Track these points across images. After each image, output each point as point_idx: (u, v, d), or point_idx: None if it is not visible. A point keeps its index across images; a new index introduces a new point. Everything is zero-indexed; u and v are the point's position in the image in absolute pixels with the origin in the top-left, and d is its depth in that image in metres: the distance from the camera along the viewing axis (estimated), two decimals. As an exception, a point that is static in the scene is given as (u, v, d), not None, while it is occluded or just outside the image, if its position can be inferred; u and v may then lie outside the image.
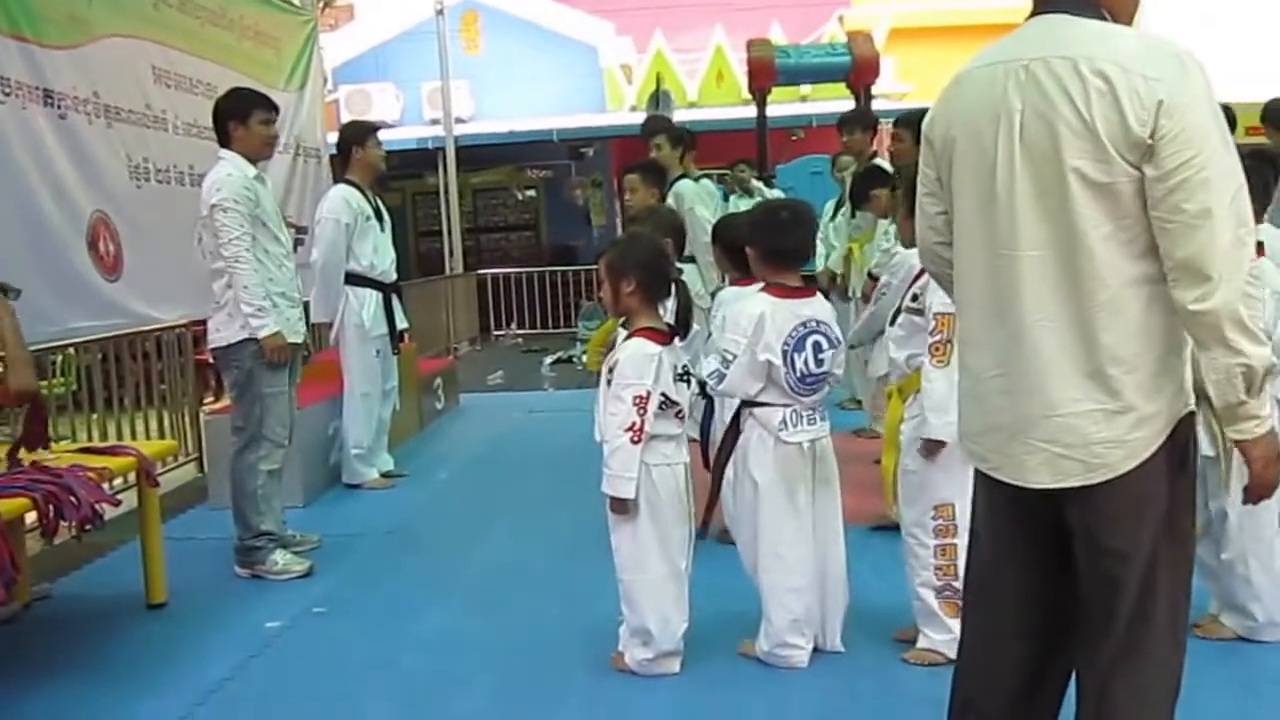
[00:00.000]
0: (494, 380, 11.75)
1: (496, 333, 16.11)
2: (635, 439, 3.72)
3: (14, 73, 5.96)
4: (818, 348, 3.85)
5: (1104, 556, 2.47)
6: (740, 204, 10.16)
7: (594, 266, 13.29)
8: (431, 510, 6.50)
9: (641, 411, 3.71)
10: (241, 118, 5.26)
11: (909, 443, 3.85)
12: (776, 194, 10.11)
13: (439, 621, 4.59)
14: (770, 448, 3.89)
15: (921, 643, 3.92)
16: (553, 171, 19.04)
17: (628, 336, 3.88)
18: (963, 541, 3.68)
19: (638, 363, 3.76)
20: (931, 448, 3.75)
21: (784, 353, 3.79)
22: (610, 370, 3.81)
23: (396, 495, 6.86)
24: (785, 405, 3.86)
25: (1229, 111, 2.90)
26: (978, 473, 2.69)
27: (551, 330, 15.79)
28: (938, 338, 3.68)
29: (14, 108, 5.96)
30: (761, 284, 4.05)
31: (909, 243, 4.14)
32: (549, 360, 12.93)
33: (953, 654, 3.77)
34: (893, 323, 3.99)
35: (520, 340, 15.66)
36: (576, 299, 15.94)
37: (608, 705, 3.76)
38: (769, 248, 3.95)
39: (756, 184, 10.61)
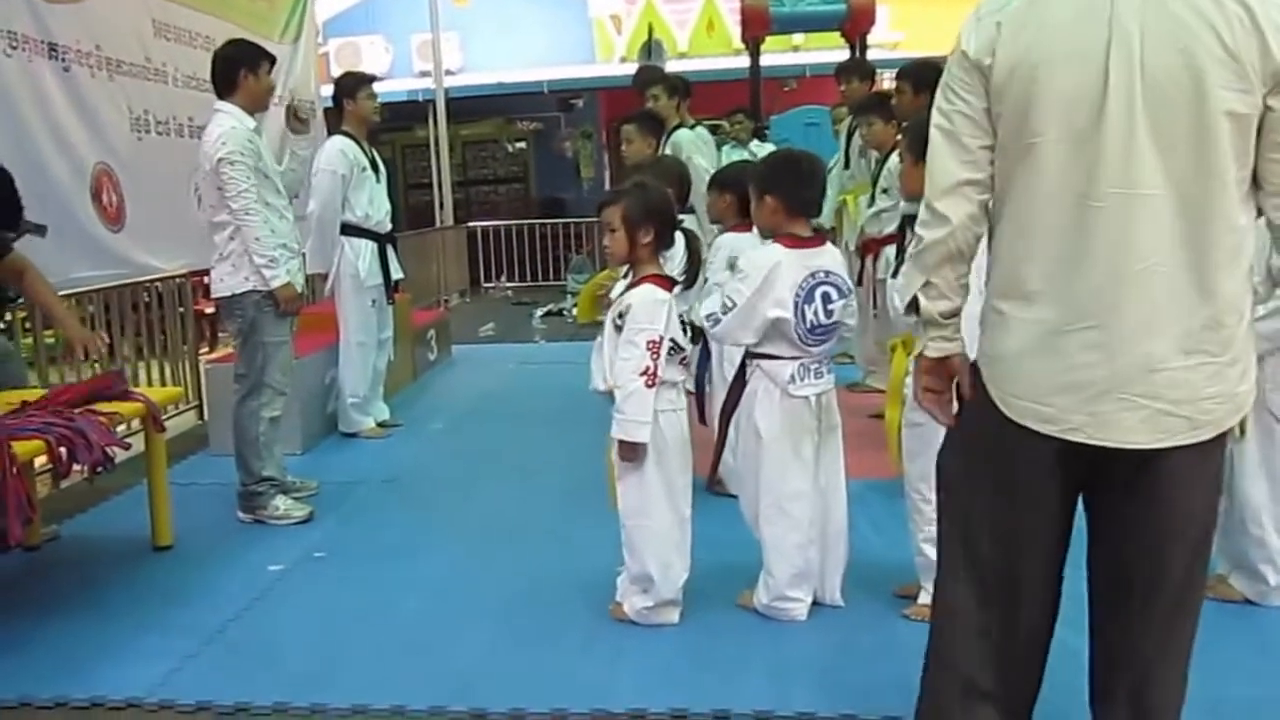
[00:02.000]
0: (485, 332, 11.85)
1: (487, 285, 16.17)
2: (649, 383, 3.74)
3: (20, 26, 6.05)
4: (827, 298, 3.83)
5: (1173, 517, 2.44)
6: (734, 154, 10.19)
7: (583, 220, 13.34)
8: (427, 459, 6.60)
9: (655, 356, 3.73)
10: (252, 66, 5.31)
11: (914, 397, 3.88)
12: (769, 147, 10.17)
13: (437, 567, 4.71)
14: (777, 400, 3.90)
15: (923, 599, 3.88)
16: (542, 124, 19.01)
17: (634, 284, 3.91)
18: None
19: (650, 308, 3.79)
20: None
21: (795, 304, 3.78)
22: (620, 317, 3.82)
23: (392, 444, 6.97)
24: (795, 358, 3.86)
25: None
26: (1006, 433, 2.49)
27: (541, 283, 15.85)
28: None
29: (20, 61, 6.06)
30: (754, 232, 4.12)
31: (913, 195, 4.19)
32: (539, 313, 13.01)
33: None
34: (895, 274, 4.00)
35: (510, 293, 15.73)
36: (566, 252, 16.00)
37: (606, 652, 3.83)
38: (791, 197, 3.90)
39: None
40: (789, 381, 3.88)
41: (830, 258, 3.94)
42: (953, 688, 2.72)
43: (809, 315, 3.82)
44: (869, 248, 6.97)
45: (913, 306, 2.64)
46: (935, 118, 2.50)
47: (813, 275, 3.84)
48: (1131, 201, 2.27)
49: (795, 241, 3.88)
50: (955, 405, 2.70)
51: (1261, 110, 2.22)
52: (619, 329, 3.83)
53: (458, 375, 9.52)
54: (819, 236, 3.99)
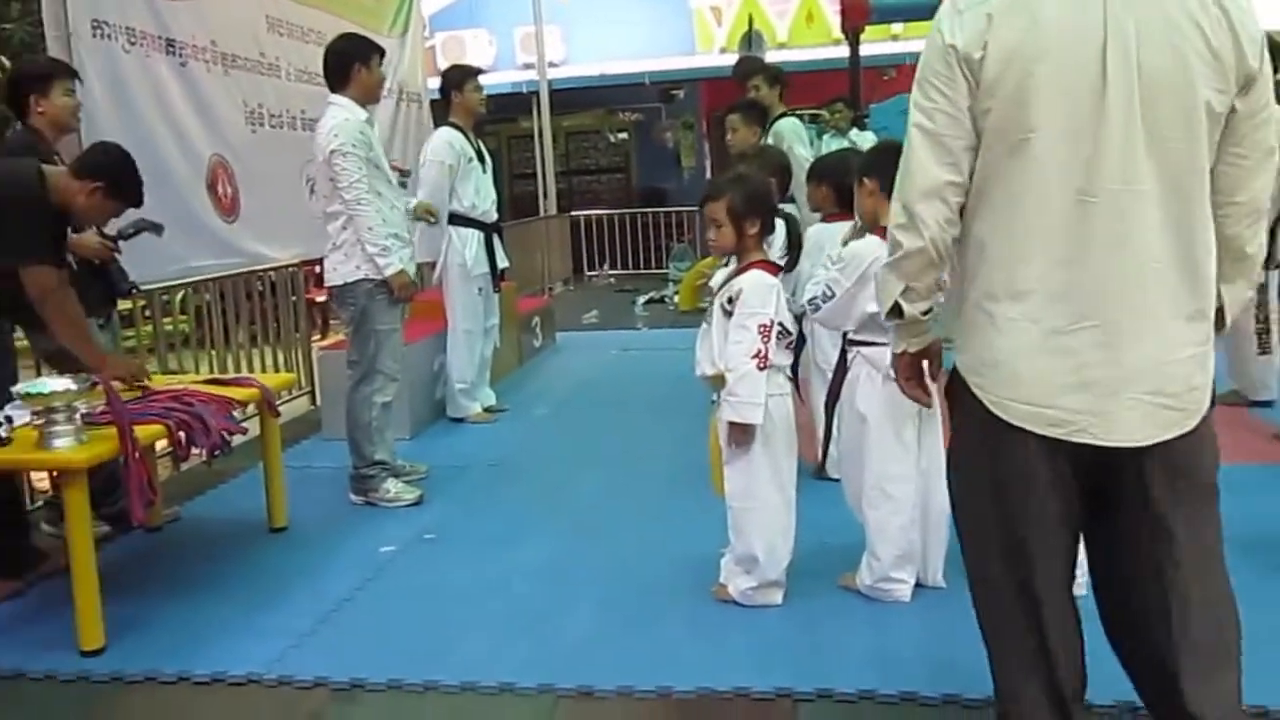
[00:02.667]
0: (589, 319, 11.93)
1: (589, 273, 16.28)
2: (761, 365, 3.78)
3: (139, 23, 6.22)
4: None
5: (1196, 492, 2.43)
6: (834, 143, 10.15)
7: (684, 209, 13.37)
8: (533, 443, 6.69)
9: (766, 339, 3.77)
10: (364, 60, 5.42)
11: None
12: (869, 136, 10.11)
13: (544, 549, 4.78)
14: (878, 385, 3.92)
15: None
16: (643, 114, 19.05)
17: (742, 269, 3.93)
18: None
19: (761, 292, 3.82)
20: None
21: None
22: (729, 302, 3.85)
23: (499, 429, 7.08)
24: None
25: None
26: (1003, 441, 2.44)
27: (642, 271, 15.92)
28: None
29: (139, 56, 6.23)
30: (855, 222, 4.12)
31: None
32: (642, 300, 13.07)
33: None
34: None
35: (613, 280, 15.82)
36: (667, 240, 16.04)
37: (711, 632, 3.86)
38: (892, 183, 3.89)
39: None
40: (890, 365, 3.86)
41: None
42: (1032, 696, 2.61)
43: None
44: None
45: (893, 312, 2.60)
46: (915, 116, 2.43)
47: None
48: (1128, 197, 2.27)
49: None
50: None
51: (1229, 110, 2.28)
52: (728, 314, 3.86)
53: (562, 361, 9.61)
54: None
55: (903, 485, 3.95)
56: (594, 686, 3.50)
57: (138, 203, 4.50)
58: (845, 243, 4.17)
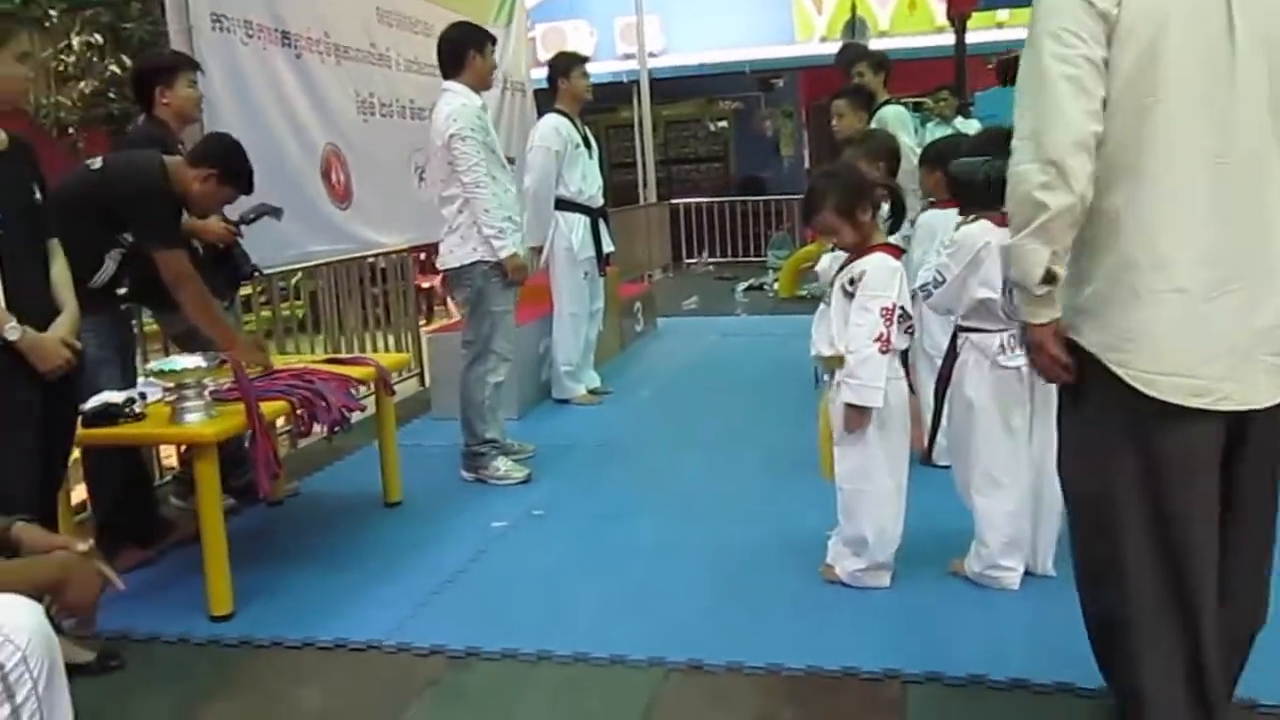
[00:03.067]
0: (689, 305, 11.98)
1: (689, 260, 16.34)
2: (884, 349, 3.78)
3: (255, 16, 6.39)
4: None
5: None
6: (938, 131, 10.07)
7: (783, 197, 13.33)
8: (637, 425, 6.77)
9: (889, 323, 3.77)
10: (479, 47, 5.55)
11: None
12: (973, 124, 10.03)
13: (651, 526, 4.86)
14: (986, 371, 3.89)
15: None
16: (743, 103, 19.04)
17: (864, 252, 3.90)
18: None
19: (883, 276, 3.82)
20: None
21: (1005, 281, 3.70)
22: (850, 283, 3.85)
23: (603, 410, 7.17)
24: (1003, 330, 3.84)
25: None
26: (1147, 418, 2.41)
27: (741, 258, 15.95)
28: None
29: (256, 48, 6.40)
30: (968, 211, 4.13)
31: None
32: (742, 287, 13.09)
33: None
34: None
35: (711, 268, 15.85)
36: (765, 228, 16.04)
37: (818, 611, 3.89)
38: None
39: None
40: (998, 352, 3.87)
41: None
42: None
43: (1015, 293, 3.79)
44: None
45: (1047, 278, 2.50)
46: (1055, 65, 2.35)
47: None
48: (1257, 160, 2.30)
49: (1004, 220, 3.82)
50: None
51: None
52: (849, 295, 3.87)
53: (663, 346, 9.68)
54: None
55: (1011, 472, 3.91)
56: (703, 660, 3.56)
57: (248, 189, 4.64)
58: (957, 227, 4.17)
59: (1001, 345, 3.86)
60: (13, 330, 3.35)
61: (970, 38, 12.61)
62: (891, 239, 4.09)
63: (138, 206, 4.28)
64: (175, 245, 4.40)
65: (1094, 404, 2.54)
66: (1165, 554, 2.49)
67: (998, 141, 3.98)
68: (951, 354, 4.07)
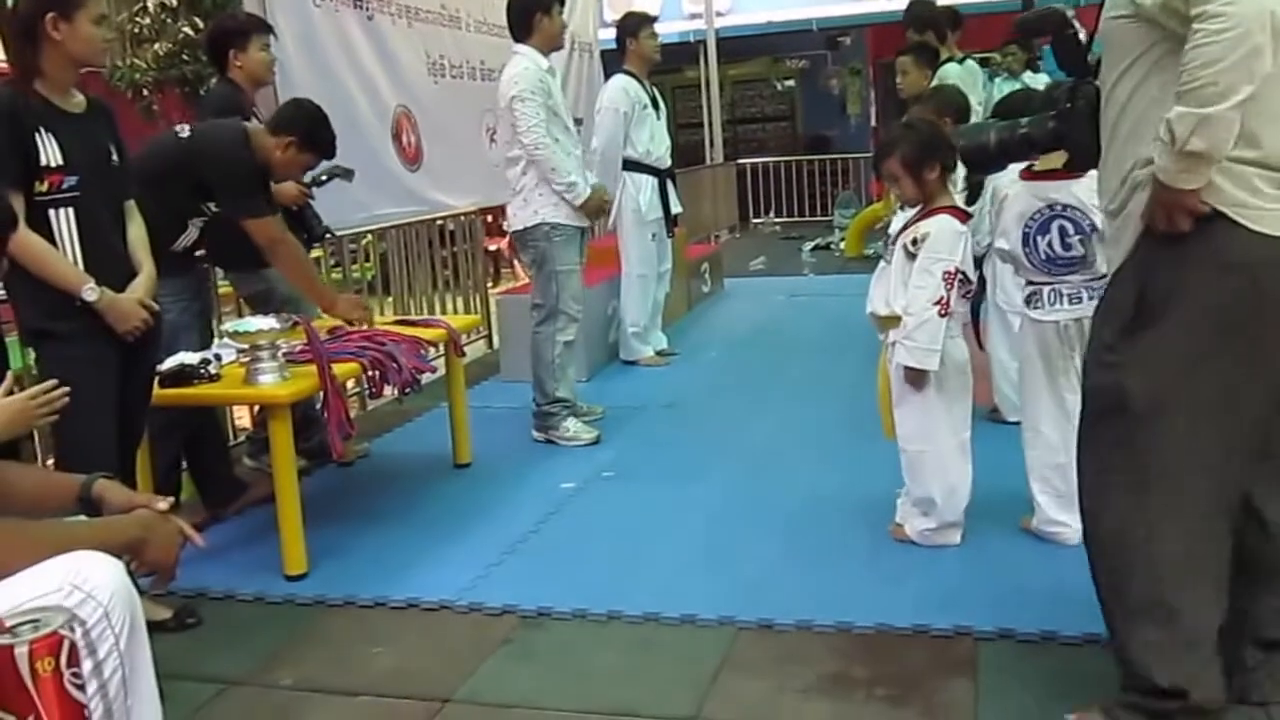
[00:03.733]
0: (756, 265, 11.95)
1: (755, 220, 16.28)
2: (943, 313, 3.76)
3: (328, -21, 6.43)
4: (1064, 232, 3.74)
5: None
6: (1005, 87, 9.92)
7: (850, 155, 13.23)
8: (705, 386, 6.77)
9: (949, 287, 3.75)
10: (546, 9, 5.52)
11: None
12: (1042, 78, 9.87)
13: (719, 487, 4.86)
14: (1028, 325, 3.90)
15: None
16: (809, 62, 18.87)
17: (929, 213, 3.88)
18: None
19: (949, 238, 3.80)
20: None
21: (1024, 235, 3.75)
22: (914, 244, 3.83)
23: (671, 371, 7.19)
24: (1042, 284, 3.82)
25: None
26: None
27: (808, 218, 15.87)
28: None
29: (328, 11, 6.42)
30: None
31: None
32: (808, 246, 13.02)
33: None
34: None
35: (778, 228, 15.79)
36: (832, 188, 15.94)
37: (889, 570, 3.90)
38: None
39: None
40: (1025, 305, 3.88)
41: (1074, 190, 3.74)
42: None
43: (1042, 246, 3.77)
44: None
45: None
46: None
47: (1049, 207, 3.75)
48: None
49: (1031, 174, 3.81)
50: None
51: None
52: (911, 256, 3.84)
53: (730, 306, 9.66)
54: (1068, 170, 3.75)
55: (1056, 426, 3.85)
56: (773, 620, 3.57)
57: (330, 154, 4.69)
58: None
59: (1030, 299, 3.86)
60: (90, 291, 3.41)
61: (1041, -11, 12.40)
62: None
63: (225, 179, 4.32)
64: (263, 213, 4.44)
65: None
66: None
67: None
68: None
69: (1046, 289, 3.82)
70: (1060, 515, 3.92)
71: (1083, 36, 3.10)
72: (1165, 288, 2.57)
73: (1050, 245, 3.76)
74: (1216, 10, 2.28)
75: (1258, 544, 2.74)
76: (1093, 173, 3.84)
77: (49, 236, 3.39)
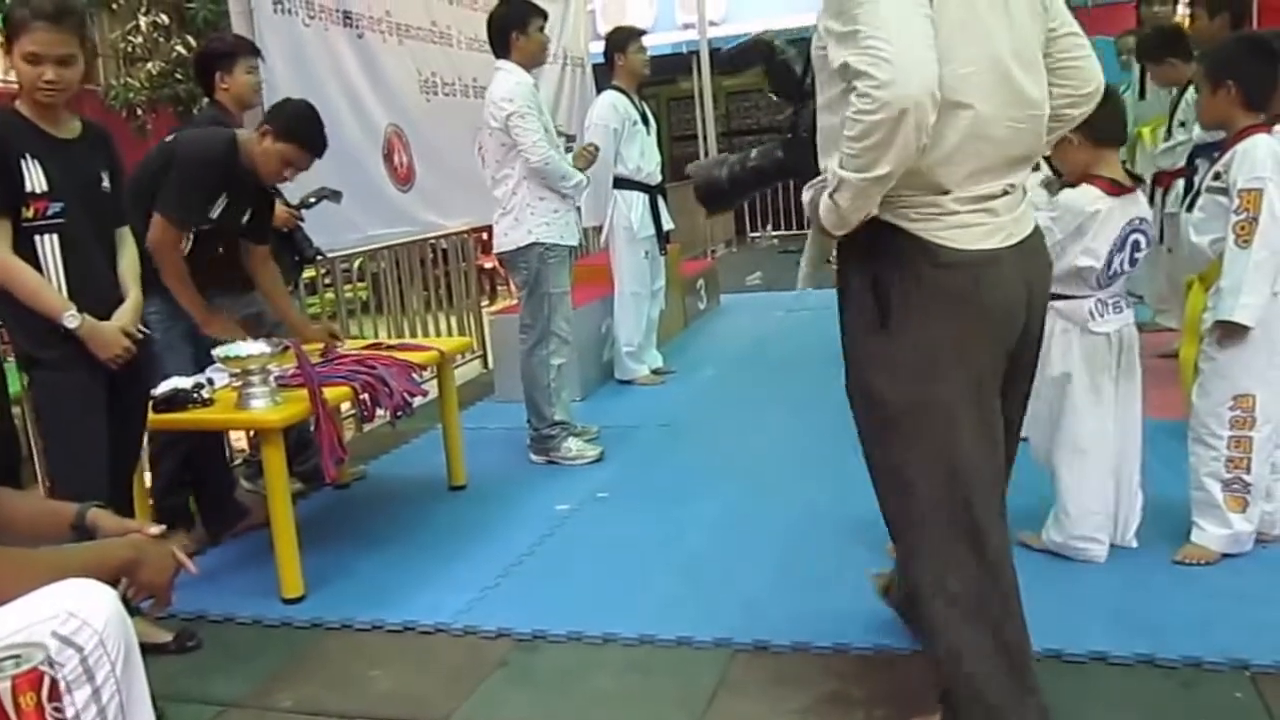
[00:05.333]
0: (752, 280, 11.95)
1: (752, 234, 16.28)
2: None
3: (318, -4, 6.42)
4: (1136, 246, 3.71)
5: None
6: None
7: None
8: (701, 404, 6.75)
9: None
10: (521, 27, 5.49)
11: (1211, 331, 3.70)
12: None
13: (715, 507, 4.83)
14: (1076, 339, 3.80)
15: (1195, 537, 3.84)
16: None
17: None
18: (1260, 435, 3.68)
19: None
20: (1229, 332, 3.62)
21: (1109, 254, 3.67)
22: None
23: (666, 390, 7.16)
24: (1091, 296, 3.76)
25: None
26: None
27: (805, 231, 15.78)
28: (1242, 216, 3.55)
29: (318, 29, 6.40)
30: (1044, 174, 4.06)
31: (1210, 125, 3.98)
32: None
33: (1226, 550, 3.80)
34: (1191, 207, 3.86)
35: (775, 241, 15.79)
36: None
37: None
38: (1094, 130, 3.53)
39: None
40: (1088, 318, 3.79)
41: (1143, 203, 3.79)
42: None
43: (1115, 263, 3.71)
44: (1160, 180, 6.72)
45: None
46: None
47: (1129, 223, 3.70)
48: None
49: (1115, 189, 3.71)
50: None
51: None
52: None
53: (727, 323, 9.65)
54: (1132, 183, 3.79)
55: (1098, 443, 3.84)
56: (769, 641, 3.55)
57: (312, 149, 4.56)
58: (1049, 190, 4.03)
59: (1091, 311, 3.78)
60: (72, 318, 3.40)
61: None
62: None
63: (177, 167, 4.28)
64: (170, 214, 4.28)
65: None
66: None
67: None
68: None
69: (1095, 301, 3.77)
70: (1091, 532, 3.89)
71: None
72: (896, 286, 2.58)
73: (1122, 263, 3.73)
74: (865, 90, 2.28)
75: None
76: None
77: (34, 262, 3.39)
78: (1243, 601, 3.54)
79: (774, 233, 16.16)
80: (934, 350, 2.56)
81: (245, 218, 4.64)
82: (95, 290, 3.53)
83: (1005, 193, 2.58)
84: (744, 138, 19.38)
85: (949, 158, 2.45)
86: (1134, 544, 3.97)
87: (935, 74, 2.27)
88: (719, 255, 14.09)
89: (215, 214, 4.44)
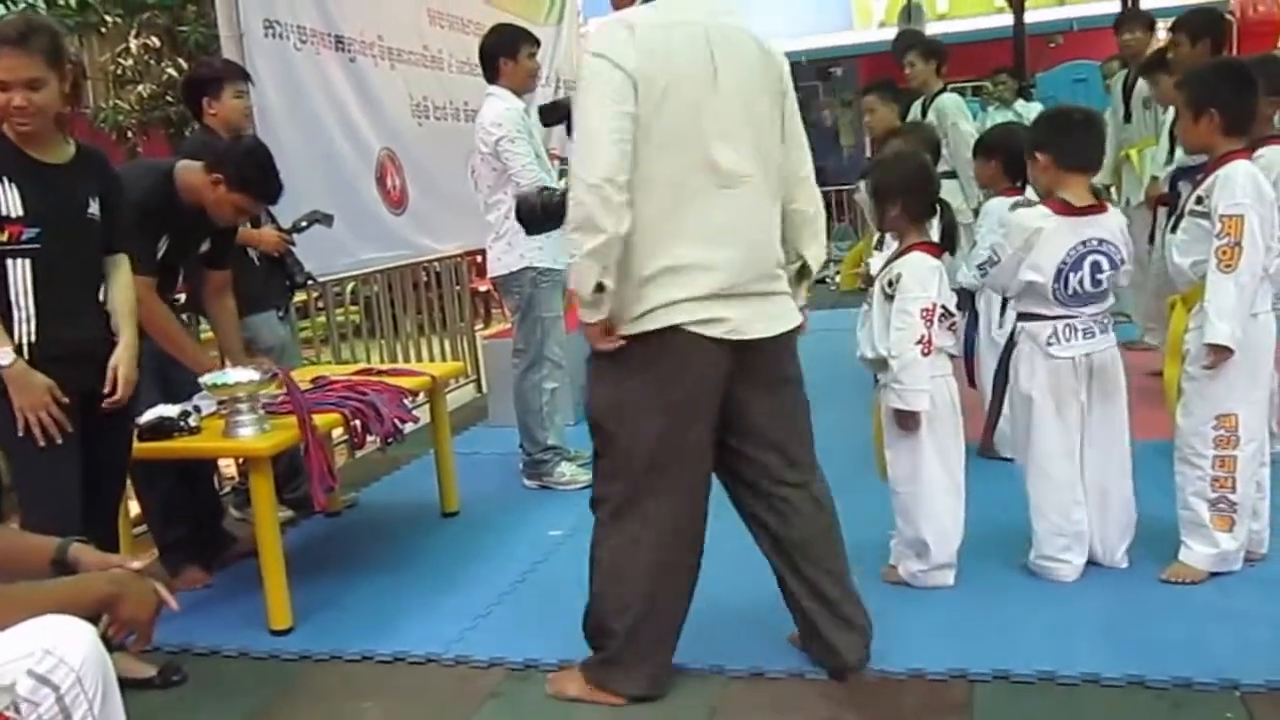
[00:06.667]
0: (749, 302, 11.86)
1: (749, 256, 16.24)
2: (925, 351, 3.76)
3: (309, 21, 6.35)
4: (1097, 267, 3.75)
5: None
6: (997, 116, 9.97)
7: (844, 188, 13.27)
8: (696, 427, 6.69)
9: (929, 323, 3.75)
10: (510, 53, 5.48)
11: (1195, 353, 3.74)
12: (1035, 107, 9.90)
13: (710, 530, 4.74)
14: (1038, 361, 3.86)
15: (1183, 556, 3.86)
16: (801, 93, 18.85)
17: (902, 252, 3.91)
18: (1244, 454, 3.72)
19: (921, 276, 3.79)
20: (1214, 355, 3.65)
21: (1058, 271, 3.72)
22: (890, 285, 3.84)
23: (661, 413, 7.10)
24: (1057, 318, 3.81)
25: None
26: None
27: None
28: (1225, 241, 3.60)
29: (309, 54, 6.36)
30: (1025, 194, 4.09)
31: (1191, 150, 4.08)
32: (802, 281, 12.97)
33: (1214, 569, 3.82)
34: (1174, 229, 3.89)
35: (772, 263, 15.74)
36: (827, 220, 15.91)
37: (882, 613, 3.77)
38: (1064, 153, 3.81)
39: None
40: (1047, 342, 3.84)
41: (1107, 226, 3.82)
42: None
43: (1072, 282, 3.75)
44: (1162, 201, 6.73)
45: None
46: None
47: (1084, 244, 3.75)
48: None
49: (1066, 209, 3.79)
50: None
51: None
52: (889, 298, 3.84)
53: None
54: (1098, 203, 3.87)
55: (1059, 464, 3.88)
56: (765, 668, 3.52)
57: (262, 197, 4.43)
58: (1012, 209, 4.14)
59: (1053, 334, 3.83)
60: (4, 355, 3.31)
61: (1031, 16, 12.46)
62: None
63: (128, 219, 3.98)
64: (136, 268, 3.91)
65: None
66: None
67: (1058, 123, 3.97)
68: (1010, 344, 4.06)
69: (1062, 324, 3.81)
70: (1057, 553, 3.93)
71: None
72: None
73: (1081, 282, 3.76)
74: (570, 184, 3.01)
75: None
76: (1115, 209, 3.98)
77: (4, 287, 3.33)
78: (1231, 621, 3.56)
79: (771, 253, 16.12)
80: None
81: (202, 248, 4.53)
82: (69, 319, 3.44)
83: None
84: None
85: None
86: (1124, 564, 3.99)
87: None
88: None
89: (160, 254, 4.29)
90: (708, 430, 3.27)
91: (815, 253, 3.49)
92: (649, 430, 3.20)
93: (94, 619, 2.31)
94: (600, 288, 3.03)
